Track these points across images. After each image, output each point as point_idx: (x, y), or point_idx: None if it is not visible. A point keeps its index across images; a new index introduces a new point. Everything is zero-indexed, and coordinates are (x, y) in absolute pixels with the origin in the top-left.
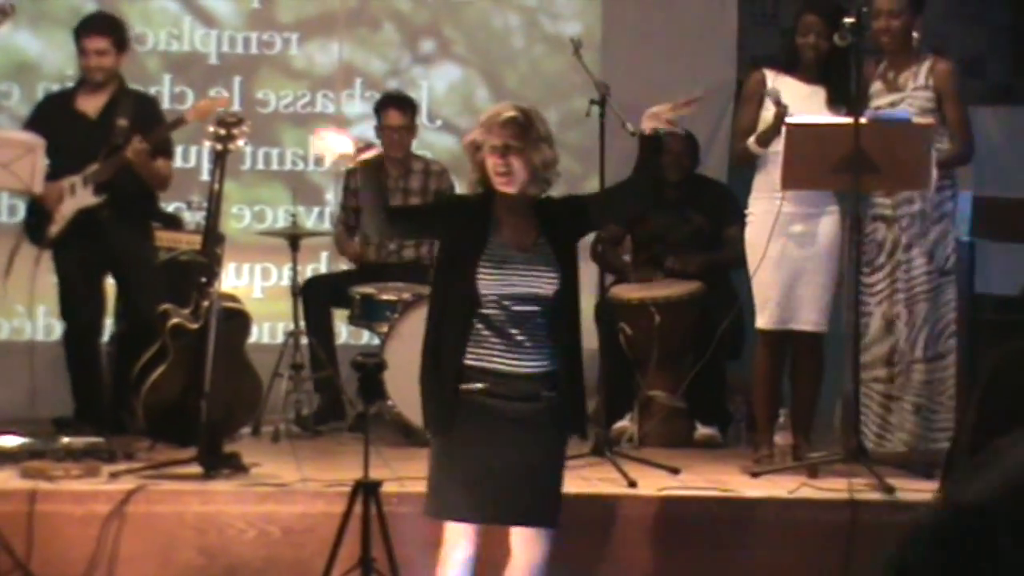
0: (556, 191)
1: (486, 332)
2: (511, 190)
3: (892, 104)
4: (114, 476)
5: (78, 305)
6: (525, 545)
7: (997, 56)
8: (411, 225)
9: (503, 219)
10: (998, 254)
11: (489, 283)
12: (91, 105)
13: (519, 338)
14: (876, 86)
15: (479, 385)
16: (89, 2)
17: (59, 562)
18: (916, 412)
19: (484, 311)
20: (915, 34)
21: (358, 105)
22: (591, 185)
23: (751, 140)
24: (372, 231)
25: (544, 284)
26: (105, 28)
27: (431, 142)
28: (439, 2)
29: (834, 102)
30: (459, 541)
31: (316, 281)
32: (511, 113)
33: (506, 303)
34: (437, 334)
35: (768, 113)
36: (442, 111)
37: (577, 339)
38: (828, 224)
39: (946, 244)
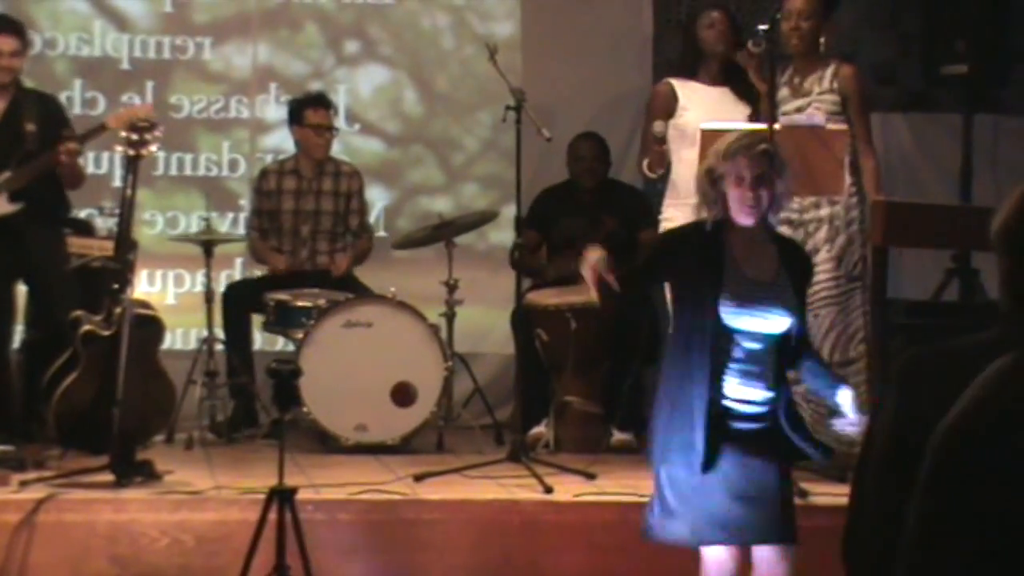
0: (482, 195)
1: (729, 364)
2: (752, 222)
3: (799, 109)
4: (24, 485)
5: None
6: (774, 563)
7: (908, 63)
8: (641, 287)
9: (740, 251)
10: (909, 260)
11: (733, 317)
12: None
13: (753, 368)
14: (782, 92)
15: (725, 415)
16: None
17: None
18: (828, 417)
19: (727, 344)
20: (822, 39)
21: (273, 110)
22: (510, 186)
23: (644, 163)
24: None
25: (781, 317)
26: (16, 28)
27: (357, 147)
28: (364, 2)
29: (741, 100)
30: (722, 562)
31: (234, 288)
32: (765, 145)
33: (747, 335)
34: (686, 369)
35: (681, 120)
36: (368, 114)
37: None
38: None
39: (854, 250)
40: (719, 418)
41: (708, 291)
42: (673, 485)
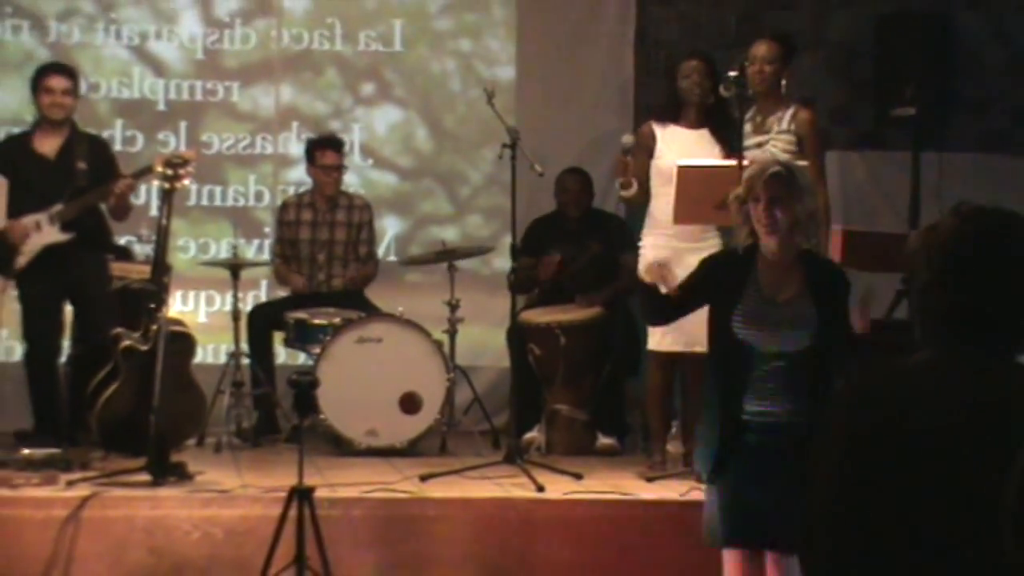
0: (485, 225)
1: (748, 381)
2: (775, 241)
3: (759, 145)
4: (71, 484)
5: (39, 329)
6: (778, 570)
7: (862, 106)
8: (687, 308)
9: (765, 273)
10: (864, 282)
11: (746, 335)
12: (48, 147)
13: (771, 384)
14: (746, 128)
15: (746, 429)
16: (41, 48)
17: (20, 562)
18: None
19: (746, 362)
20: (783, 82)
21: (295, 146)
22: (509, 216)
23: (623, 194)
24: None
25: (799, 335)
26: (68, 70)
27: (372, 179)
28: (379, 48)
29: (718, 142)
30: (735, 564)
31: (259, 308)
32: (775, 169)
33: (764, 353)
34: (713, 384)
35: (657, 162)
36: (383, 150)
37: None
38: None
39: None
40: (734, 432)
41: (725, 310)
42: (706, 493)
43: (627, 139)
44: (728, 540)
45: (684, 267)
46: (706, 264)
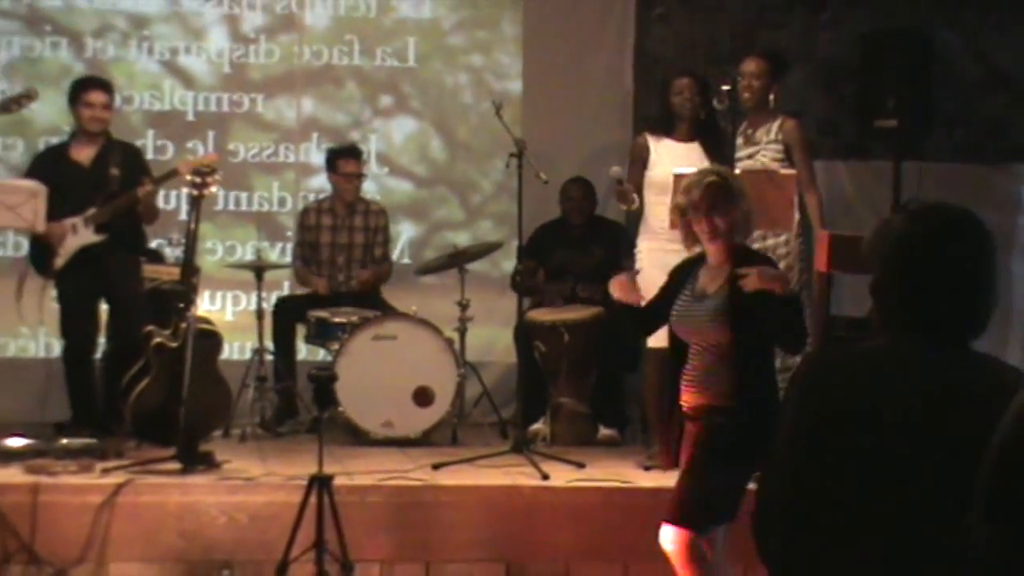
0: (495, 230)
1: (687, 368)
2: (716, 247)
3: (749, 156)
4: (106, 472)
5: (76, 326)
6: (671, 542)
7: (847, 119)
8: (661, 316)
9: (704, 274)
10: (850, 283)
11: (676, 326)
12: (84, 155)
13: (699, 375)
14: (738, 141)
15: (683, 414)
16: (78, 63)
17: (58, 545)
18: None
19: (683, 356)
20: (771, 96)
21: (316, 155)
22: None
23: (621, 192)
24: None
25: (719, 327)
26: (105, 85)
27: (389, 187)
28: (395, 63)
29: (708, 154)
30: (668, 539)
31: (284, 302)
32: (711, 179)
33: (695, 348)
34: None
35: (650, 172)
36: (399, 159)
37: (753, 378)
38: None
39: (793, 273)
40: (680, 422)
41: (669, 310)
42: None
43: (615, 171)
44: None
45: None
46: (670, 272)
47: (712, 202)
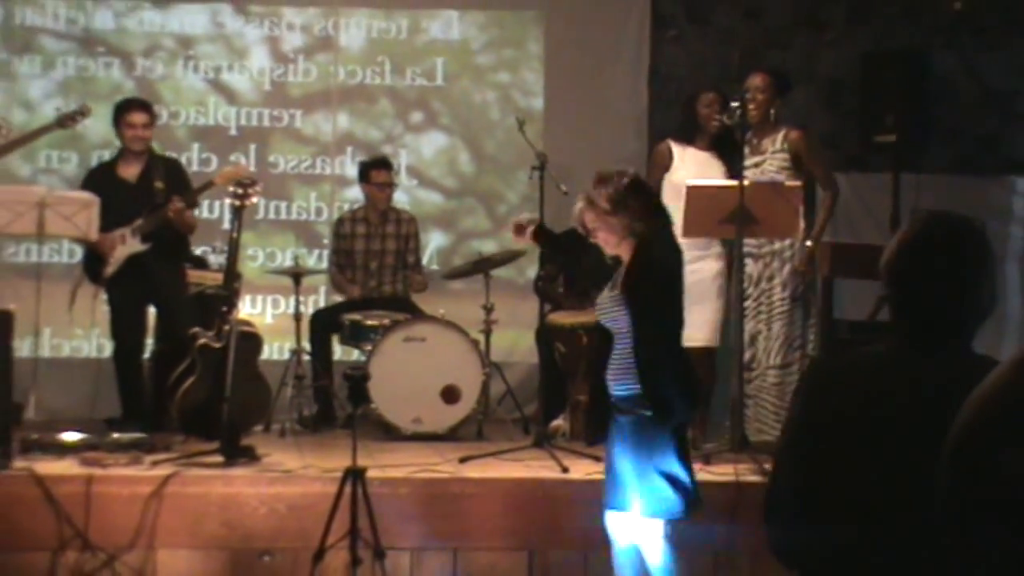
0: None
1: (611, 358)
2: (615, 253)
3: (756, 164)
4: (154, 464)
5: (126, 329)
6: (618, 527)
7: (849, 134)
8: None
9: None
10: (851, 288)
11: (599, 318)
12: (130, 172)
13: (612, 364)
14: (745, 151)
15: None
16: (128, 81)
17: (110, 532)
18: (777, 411)
19: (606, 343)
20: (772, 110)
21: (350, 168)
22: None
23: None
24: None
25: (618, 321)
26: (146, 106)
27: (420, 198)
28: (426, 82)
29: (724, 164)
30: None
31: (320, 312)
32: (579, 204)
33: (615, 337)
34: None
35: (671, 177)
36: (429, 172)
37: (652, 371)
38: (712, 262)
39: (797, 278)
40: (607, 408)
41: None
42: None
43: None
44: (605, 504)
45: (692, 273)
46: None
47: (589, 227)
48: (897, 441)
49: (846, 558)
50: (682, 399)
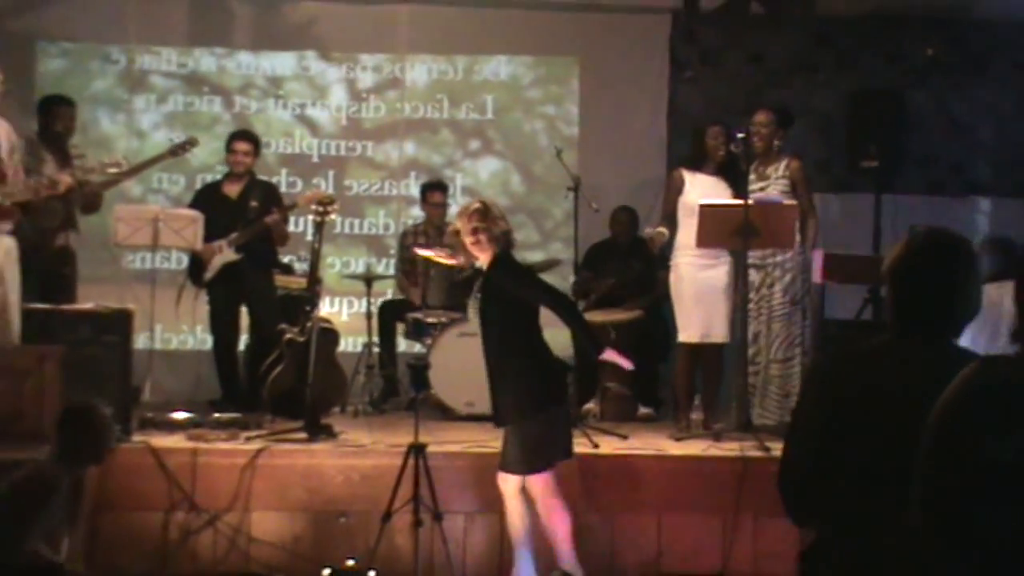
0: (564, 250)
1: None
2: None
3: (762, 188)
4: (248, 440)
5: (224, 325)
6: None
7: (838, 159)
8: None
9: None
10: (841, 291)
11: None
12: (232, 191)
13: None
14: (751, 176)
15: None
16: (226, 114)
17: (213, 496)
18: (781, 398)
19: None
20: (777, 141)
21: (415, 189)
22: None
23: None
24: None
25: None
26: (251, 136)
27: None
28: (482, 116)
29: (730, 186)
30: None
31: (388, 304)
32: (453, 228)
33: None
34: None
35: (684, 199)
36: (484, 192)
37: (503, 360)
38: (722, 270)
39: (796, 284)
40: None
41: None
42: None
43: (648, 231)
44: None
45: (704, 279)
46: None
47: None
48: (895, 418)
49: (854, 518)
50: None
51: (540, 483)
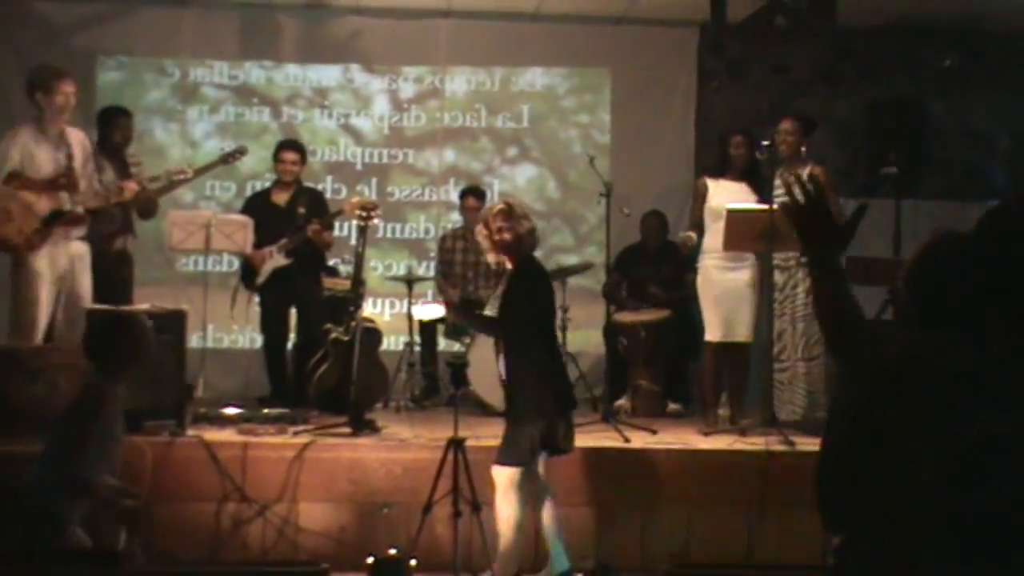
0: (598, 253)
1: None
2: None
3: (787, 193)
4: (296, 434)
5: (273, 326)
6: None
7: (859, 166)
8: None
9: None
10: (861, 293)
11: None
12: (281, 198)
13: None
14: (776, 182)
15: None
16: (274, 124)
17: (262, 487)
18: (807, 395)
19: None
20: (803, 148)
21: (454, 195)
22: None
23: (683, 238)
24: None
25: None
26: (298, 146)
27: None
28: (515, 124)
29: (753, 191)
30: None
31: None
32: (480, 228)
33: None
34: None
35: (710, 204)
36: (522, 197)
37: (517, 365)
38: (748, 272)
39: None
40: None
41: None
42: None
43: (682, 235)
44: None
45: (728, 281)
46: None
47: (499, 225)
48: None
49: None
50: None
51: (505, 478)
